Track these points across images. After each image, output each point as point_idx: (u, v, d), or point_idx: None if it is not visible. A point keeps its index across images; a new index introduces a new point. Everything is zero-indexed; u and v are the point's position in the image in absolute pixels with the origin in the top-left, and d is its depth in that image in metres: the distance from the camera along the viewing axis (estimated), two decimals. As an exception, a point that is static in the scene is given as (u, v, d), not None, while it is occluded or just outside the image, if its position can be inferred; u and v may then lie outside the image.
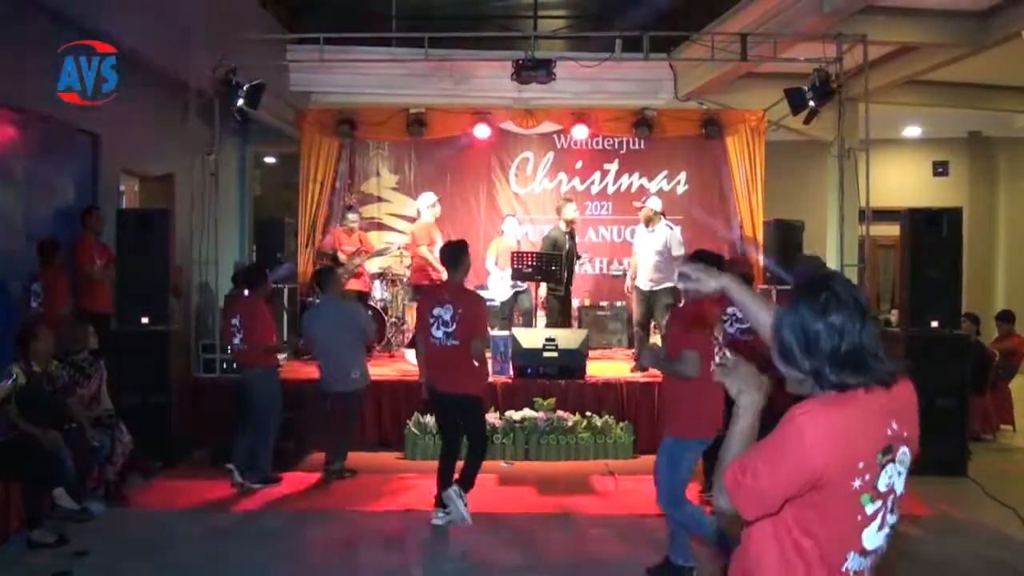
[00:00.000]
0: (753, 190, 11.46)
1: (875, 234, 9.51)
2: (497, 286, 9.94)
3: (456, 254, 6.00)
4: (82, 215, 7.90)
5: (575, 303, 10.94)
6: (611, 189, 11.88)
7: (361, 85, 12.06)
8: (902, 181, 14.15)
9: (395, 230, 11.79)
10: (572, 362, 8.28)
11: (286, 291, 10.34)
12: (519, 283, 9.79)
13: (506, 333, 8.65)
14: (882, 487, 1.88)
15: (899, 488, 1.92)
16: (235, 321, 7.00)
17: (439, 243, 9.85)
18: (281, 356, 8.90)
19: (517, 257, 9.30)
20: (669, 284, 8.92)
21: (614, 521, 6.12)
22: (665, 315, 8.85)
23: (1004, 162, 14.72)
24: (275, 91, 10.70)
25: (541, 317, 9.95)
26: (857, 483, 1.85)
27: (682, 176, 11.83)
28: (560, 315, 9.63)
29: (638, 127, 11.17)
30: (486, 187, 11.83)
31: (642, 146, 11.74)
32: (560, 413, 7.93)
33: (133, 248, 7.82)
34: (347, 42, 10.75)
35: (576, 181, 11.88)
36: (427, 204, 10.22)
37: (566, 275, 9.52)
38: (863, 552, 1.91)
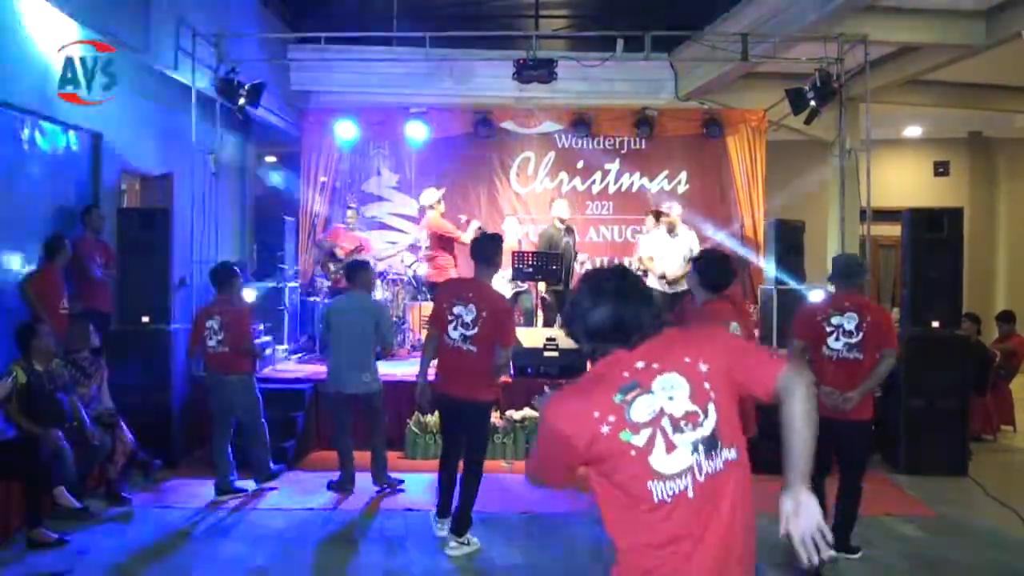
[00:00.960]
0: (754, 190, 11.49)
1: (876, 234, 9.51)
2: (497, 286, 9.92)
3: (492, 249, 5.46)
4: (82, 214, 7.89)
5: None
6: (612, 189, 11.91)
7: (362, 84, 12.04)
8: (903, 181, 14.16)
9: (396, 229, 11.82)
10: (573, 362, 8.25)
11: (287, 290, 10.34)
12: (519, 283, 9.78)
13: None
14: (640, 418, 2.12)
15: (678, 409, 2.14)
16: (212, 323, 6.60)
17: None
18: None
19: (517, 257, 9.29)
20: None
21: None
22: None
23: (1004, 162, 14.71)
24: (276, 90, 10.70)
25: (542, 316, 9.94)
26: (605, 428, 2.12)
27: (683, 176, 11.85)
28: (556, 313, 9.61)
29: (639, 127, 11.29)
30: (487, 187, 11.86)
31: (643, 146, 11.79)
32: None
33: (134, 247, 7.79)
34: (348, 41, 10.75)
35: (577, 181, 11.91)
36: (435, 200, 10.19)
37: (563, 273, 9.51)
38: (664, 477, 2.11)
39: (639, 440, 2.11)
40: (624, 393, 2.14)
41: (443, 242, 10.04)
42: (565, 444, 2.19)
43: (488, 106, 11.66)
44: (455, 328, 5.25)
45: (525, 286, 9.80)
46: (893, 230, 9.66)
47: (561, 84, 9.65)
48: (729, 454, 2.15)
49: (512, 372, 8.41)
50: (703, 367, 2.18)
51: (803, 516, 2.09)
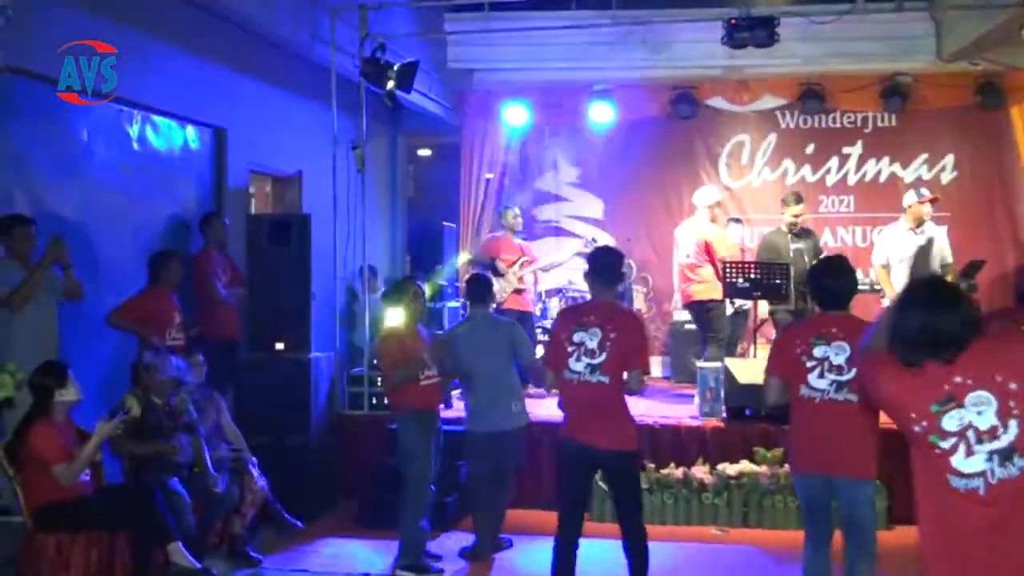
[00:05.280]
0: (1049, 177, 10.84)
1: None
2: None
3: (612, 265, 5.46)
4: (202, 224, 8.07)
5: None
6: (853, 179, 11.70)
7: (535, 59, 12.08)
8: None
9: (576, 235, 11.76)
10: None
11: (446, 311, 10.44)
12: (733, 301, 9.47)
13: (718, 365, 8.39)
14: (950, 427, 2.88)
15: (983, 423, 2.84)
16: None
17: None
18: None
19: (729, 269, 8.94)
20: None
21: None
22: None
23: None
24: (432, 70, 10.89)
25: (764, 345, 9.55)
26: (917, 428, 2.95)
27: (948, 160, 11.52)
28: None
29: (888, 98, 11.04)
30: (690, 180, 11.68)
31: (894, 122, 11.60)
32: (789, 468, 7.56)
33: (266, 261, 8.02)
34: (516, 7, 10.82)
35: (807, 170, 11.75)
36: (708, 203, 9.91)
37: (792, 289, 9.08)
38: (962, 475, 2.86)
39: (945, 444, 2.87)
40: (941, 405, 2.88)
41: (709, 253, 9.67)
42: (885, 398, 3.12)
43: (690, 79, 11.54)
44: (577, 359, 5.23)
45: (745, 305, 9.47)
46: None
47: (784, 47, 9.37)
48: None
49: (724, 415, 8.14)
50: (1012, 386, 2.84)
51: None
